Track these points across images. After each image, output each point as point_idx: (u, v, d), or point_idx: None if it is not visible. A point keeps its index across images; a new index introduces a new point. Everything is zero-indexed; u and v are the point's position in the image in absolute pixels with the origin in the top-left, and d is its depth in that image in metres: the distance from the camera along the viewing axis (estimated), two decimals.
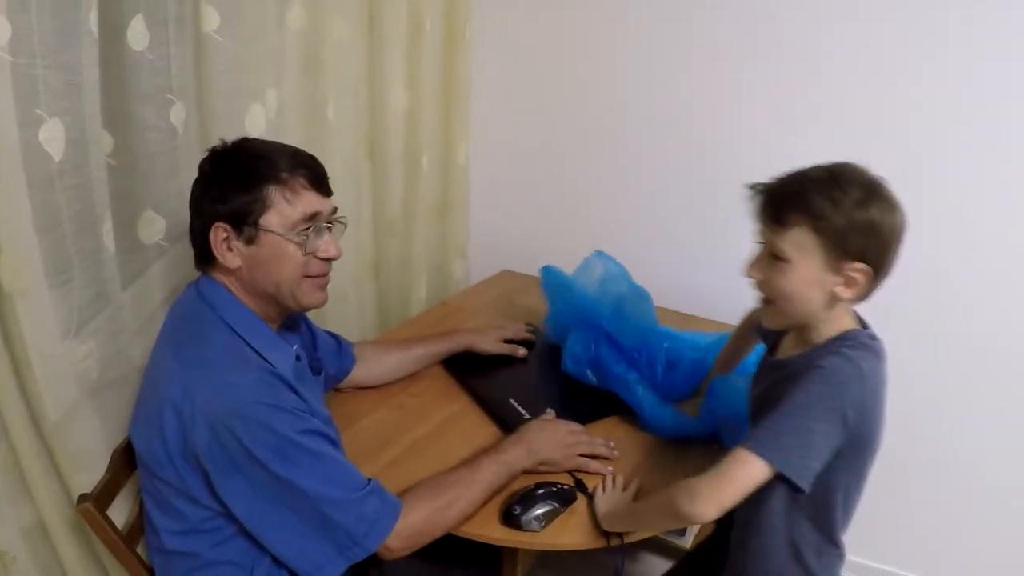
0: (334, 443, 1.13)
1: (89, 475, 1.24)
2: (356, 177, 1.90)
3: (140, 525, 1.25)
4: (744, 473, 1.01)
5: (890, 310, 1.78)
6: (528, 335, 1.76)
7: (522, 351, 1.71)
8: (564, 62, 2.10)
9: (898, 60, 1.70)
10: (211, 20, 1.35)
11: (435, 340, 1.67)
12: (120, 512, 1.30)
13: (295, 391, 1.11)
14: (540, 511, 1.21)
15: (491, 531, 1.20)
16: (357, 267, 2.01)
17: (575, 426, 1.38)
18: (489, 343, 1.69)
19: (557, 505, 1.23)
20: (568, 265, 2.20)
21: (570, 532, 1.21)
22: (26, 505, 1.25)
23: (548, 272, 1.75)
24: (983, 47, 1.61)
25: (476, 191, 2.35)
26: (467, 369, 1.66)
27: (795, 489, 1.03)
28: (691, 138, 1.96)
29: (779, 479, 1.02)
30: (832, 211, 1.01)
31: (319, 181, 1.17)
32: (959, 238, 1.75)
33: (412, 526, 1.11)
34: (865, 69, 1.73)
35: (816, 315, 1.08)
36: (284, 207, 1.12)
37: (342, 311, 1.94)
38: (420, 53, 1.98)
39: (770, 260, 1.08)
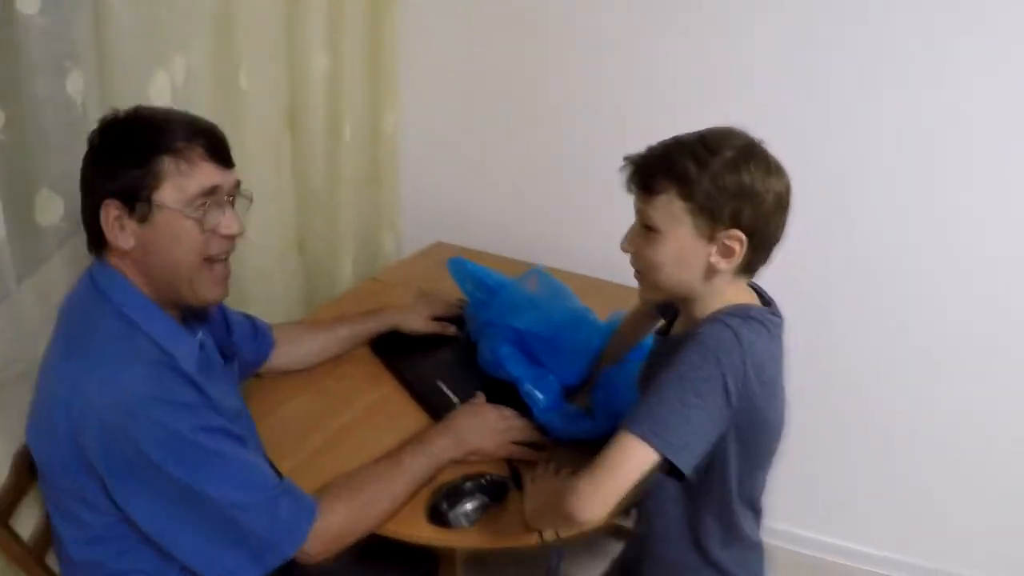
0: (240, 440, 1.07)
1: None
2: (275, 147, 1.82)
3: (49, 534, 1.19)
4: (625, 460, 0.95)
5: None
6: (459, 311, 1.72)
7: (452, 329, 1.68)
8: (500, 25, 2.05)
9: (904, 54, 1.70)
10: None
11: (360, 319, 1.63)
12: (31, 519, 1.25)
13: (195, 385, 1.05)
14: (469, 506, 1.17)
15: (417, 530, 1.17)
16: (281, 243, 1.94)
17: (507, 411, 1.35)
18: (416, 322, 1.66)
19: (487, 499, 1.19)
20: (502, 233, 2.20)
21: (503, 528, 1.18)
22: None
23: (455, 265, 1.68)
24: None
25: (407, 160, 2.29)
26: (394, 350, 1.62)
27: (678, 475, 0.96)
28: (633, 109, 1.95)
29: (664, 468, 0.97)
30: (699, 174, 0.98)
31: (219, 151, 1.10)
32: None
33: (330, 528, 1.08)
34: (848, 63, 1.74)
35: (693, 288, 1.06)
36: (179, 180, 1.04)
37: (266, 290, 1.89)
38: (343, 15, 1.90)
39: (643, 232, 1.05)
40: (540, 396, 1.35)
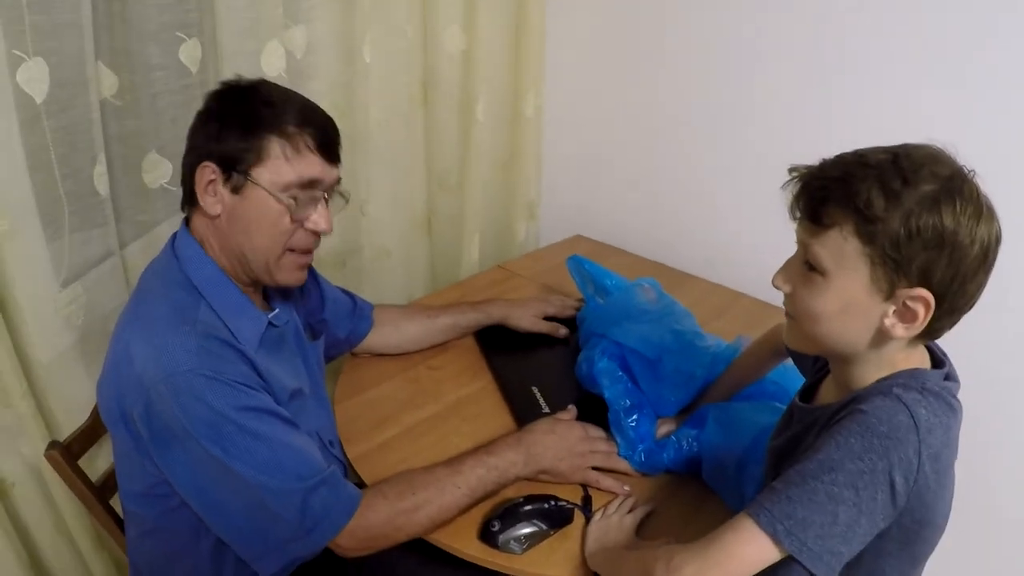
0: (289, 423, 1.09)
1: (80, 419, 1.30)
2: (405, 123, 1.86)
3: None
4: (742, 552, 0.82)
5: None
6: (573, 313, 1.68)
7: (563, 331, 1.64)
8: (657, 9, 1.95)
9: None
10: None
11: (465, 310, 1.62)
12: (106, 459, 1.37)
13: (250, 362, 1.08)
14: (523, 532, 1.11)
15: (464, 544, 1.13)
16: (409, 220, 1.99)
17: (594, 431, 1.28)
18: (526, 319, 1.63)
19: (544, 527, 1.12)
20: (645, 233, 2.14)
21: (555, 562, 1.11)
22: (25, 440, 1.35)
23: (574, 263, 1.63)
24: None
25: (550, 146, 2.26)
26: (497, 345, 1.61)
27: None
28: (795, 116, 1.79)
29: (796, 560, 0.81)
30: (887, 210, 0.78)
31: (328, 146, 1.13)
32: None
33: (369, 526, 1.08)
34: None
35: (856, 350, 0.88)
36: (281, 164, 1.08)
37: (385, 268, 1.94)
38: None
39: (804, 269, 0.87)
40: (631, 435, 1.27)
